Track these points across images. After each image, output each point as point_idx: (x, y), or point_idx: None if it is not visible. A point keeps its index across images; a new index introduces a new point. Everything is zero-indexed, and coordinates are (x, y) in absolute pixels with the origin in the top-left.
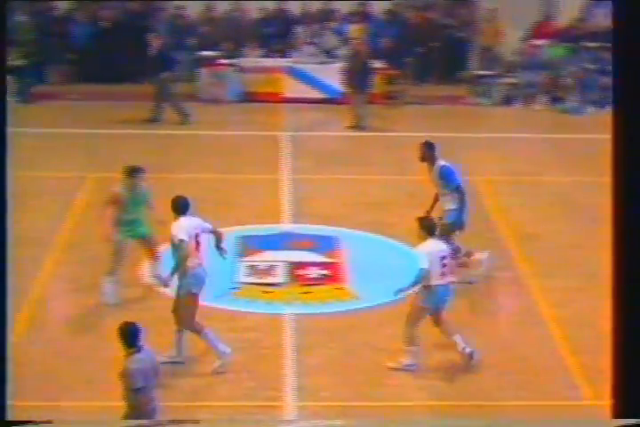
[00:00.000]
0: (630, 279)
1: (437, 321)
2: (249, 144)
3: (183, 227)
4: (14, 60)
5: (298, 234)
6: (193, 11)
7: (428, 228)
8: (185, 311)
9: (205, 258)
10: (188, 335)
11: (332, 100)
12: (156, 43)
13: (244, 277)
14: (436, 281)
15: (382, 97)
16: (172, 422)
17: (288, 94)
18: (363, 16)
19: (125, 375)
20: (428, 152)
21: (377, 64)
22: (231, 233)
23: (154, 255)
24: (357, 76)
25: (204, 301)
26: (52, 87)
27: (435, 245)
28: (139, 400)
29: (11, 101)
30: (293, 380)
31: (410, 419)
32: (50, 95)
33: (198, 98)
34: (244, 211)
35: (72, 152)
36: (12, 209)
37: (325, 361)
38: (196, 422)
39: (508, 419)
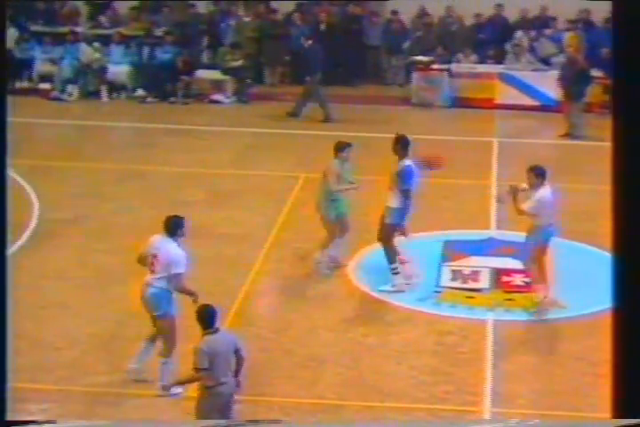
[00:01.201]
0: (631, 280)
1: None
2: (458, 149)
3: (148, 241)
4: (234, 60)
5: (503, 240)
6: (407, 16)
7: (542, 175)
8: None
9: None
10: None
11: (546, 108)
12: (307, 44)
13: (447, 282)
14: (546, 222)
15: (599, 106)
16: (251, 421)
17: (500, 101)
18: (582, 24)
19: (194, 355)
20: (400, 147)
21: (595, 73)
22: (437, 237)
23: (343, 234)
24: (573, 84)
25: (407, 303)
26: (268, 88)
27: (548, 192)
28: (206, 380)
29: (230, 101)
30: (490, 386)
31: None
32: (266, 96)
33: (410, 102)
34: (451, 215)
35: (286, 152)
36: (224, 205)
37: (524, 369)
38: (277, 421)
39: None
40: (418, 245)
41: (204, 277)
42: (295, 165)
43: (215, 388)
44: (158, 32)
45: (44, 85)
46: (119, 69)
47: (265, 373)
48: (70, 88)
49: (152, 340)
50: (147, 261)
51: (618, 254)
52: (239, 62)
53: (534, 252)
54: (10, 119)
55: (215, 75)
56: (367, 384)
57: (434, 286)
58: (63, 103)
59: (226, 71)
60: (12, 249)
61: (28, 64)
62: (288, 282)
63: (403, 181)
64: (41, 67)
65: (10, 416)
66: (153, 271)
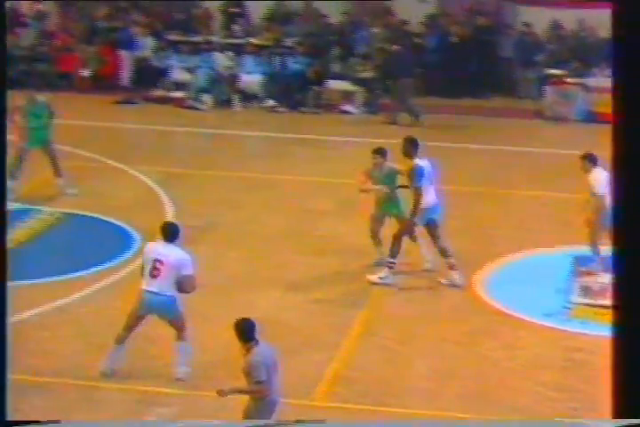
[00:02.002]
0: (631, 280)
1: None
2: None
3: (145, 249)
4: (364, 71)
5: None
6: (540, 28)
7: (593, 161)
8: None
9: (161, 287)
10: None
11: None
12: (392, 49)
13: (578, 298)
14: (607, 202)
15: None
16: (298, 421)
17: None
18: None
19: (251, 368)
20: (410, 148)
21: None
22: (568, 253)
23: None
24: None
25: (535, 318)
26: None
27: (601, 173)
28: (263, 392)
29: (360, 112)
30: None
31: None
32: (395, 107)
33: (543, 115)
34: (581, 231)
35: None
36: (353, 216)
37: None
38: (322, 421)
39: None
40: (548, 259)
41: (330, 286)
42: None
43: (269, 397)
44: (289, 42)
45: (179, 94)
46: (251, 79)
47: (388, 383)
48: (205, 97)
49: (122, 342)
50: (146, 267)
51: (619, 253)
52: (369, 73)
53: (599, 237)
54: (148, 127)
55: (345, 85)
56: (491, 398)
57: (563, 301)
58: (198, 112)
59: (356, 82)
60: None
61: (164, 73)
62: (414, 294)
63: (413, 179)
64: (177, 75)
65: (140, 418)
66: (155, 277)
